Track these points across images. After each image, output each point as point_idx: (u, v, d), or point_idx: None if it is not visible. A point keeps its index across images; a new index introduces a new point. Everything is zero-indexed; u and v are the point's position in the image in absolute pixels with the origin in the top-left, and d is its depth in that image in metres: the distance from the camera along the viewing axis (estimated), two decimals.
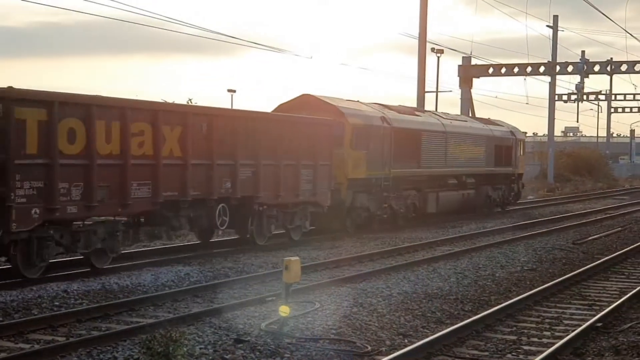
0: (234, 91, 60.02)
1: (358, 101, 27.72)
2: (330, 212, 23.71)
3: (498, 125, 36.82)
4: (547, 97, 60.06)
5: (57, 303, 13.44)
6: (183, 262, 18.18)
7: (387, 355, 10.34)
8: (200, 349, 10.54)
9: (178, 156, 17.99)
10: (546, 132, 64.08)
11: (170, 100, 30.23)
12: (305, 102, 25.19)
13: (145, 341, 9.66)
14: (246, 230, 20.73)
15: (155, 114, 17.48)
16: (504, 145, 35.72)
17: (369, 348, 10.91)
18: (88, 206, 15.76)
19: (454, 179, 31.66)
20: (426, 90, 42.25)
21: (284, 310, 11.89)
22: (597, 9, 76.39)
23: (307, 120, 22.83)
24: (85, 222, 16.30)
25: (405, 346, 10.94)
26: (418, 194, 28.81)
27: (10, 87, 14.57)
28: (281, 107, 25.31)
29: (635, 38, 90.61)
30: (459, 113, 41.79)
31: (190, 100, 45.94)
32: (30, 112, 14.69)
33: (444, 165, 30.39)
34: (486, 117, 38.31)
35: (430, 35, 52.48)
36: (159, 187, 17.37)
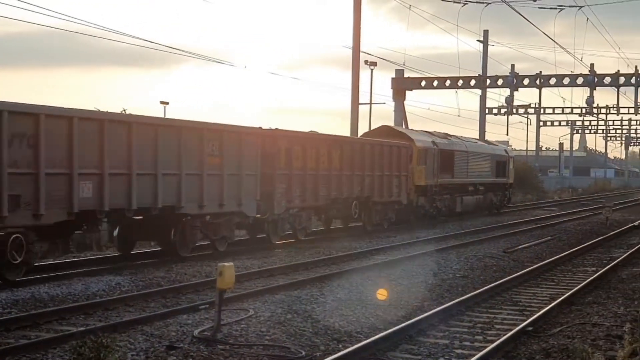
0: (167, 103, 58.95)
1: (412, 129, 38.48)
2: (401, 209, 32.94)
3: (495, 145, 48.11)
4: (478, 109, 60.99)
5: None
6: (114, 272, 17.93)
7: None
8: (132, 355, 10.40)
9: (338, 169, 27.37)
10: None
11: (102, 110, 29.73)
12: (383, 131, 35.64)
13: (75, 347, 9.47)
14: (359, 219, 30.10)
15: (329, 143, 26.97)
16: (501, 161, 45.45)
17: (303, 353, 10.91)
18: (302, 200, 25.19)
19: (472, 186, 40.86)
20: (360, 102, 42.47)
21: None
22: (527, 19, 78.14)
23: (398, 144, 32.30)
24: (299, 210, 25.21)
25: (339, 351, 10.96)
26: (450, 197, 37.71)
27: (277, 129, 24.09)
28: (366, 134, 35.87)
29: (565, 49, 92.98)
30: (393, 124, 42.65)
31: (124, 110, 45.14)
32: (282, 142, 24.21)
33: (466, 176, 39.91)
34: (420, 129, 39.26)
35: (365, 48, 52.85)
36: (331, 189, 26.98)
